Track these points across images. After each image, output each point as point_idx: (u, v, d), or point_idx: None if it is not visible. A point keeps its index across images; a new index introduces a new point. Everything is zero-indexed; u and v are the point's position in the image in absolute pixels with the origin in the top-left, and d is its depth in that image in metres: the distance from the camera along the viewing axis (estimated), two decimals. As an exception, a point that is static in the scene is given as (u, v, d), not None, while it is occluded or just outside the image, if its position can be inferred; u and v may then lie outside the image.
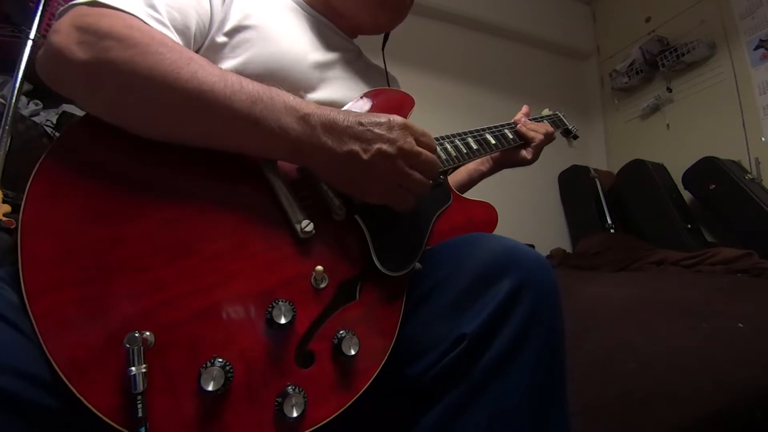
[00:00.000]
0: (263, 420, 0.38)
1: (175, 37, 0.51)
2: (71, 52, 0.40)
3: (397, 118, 0.48)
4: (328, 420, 0.40)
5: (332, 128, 0.45)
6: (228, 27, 0.60)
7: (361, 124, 0.46)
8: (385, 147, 0.46)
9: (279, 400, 0.38)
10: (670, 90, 2.35)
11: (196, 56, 0.44)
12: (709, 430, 0.67)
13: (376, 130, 0.46)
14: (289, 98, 0.45)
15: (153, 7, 0.49)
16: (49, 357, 0.33)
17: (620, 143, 2.68)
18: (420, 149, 0.48)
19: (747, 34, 2.02)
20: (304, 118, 0.44)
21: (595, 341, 0.85)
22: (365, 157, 0.45)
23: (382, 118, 0.48)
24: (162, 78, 0.40)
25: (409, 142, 0.47)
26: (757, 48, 1.98)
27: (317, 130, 0.45)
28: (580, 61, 2.93)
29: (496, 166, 0.89)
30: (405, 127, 0.48)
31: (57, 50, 0.40)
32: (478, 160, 0.88)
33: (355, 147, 0.45)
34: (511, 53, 2.66)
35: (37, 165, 0.39)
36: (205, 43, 0.59)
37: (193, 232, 0.41)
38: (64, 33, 0.41)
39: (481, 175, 0.89)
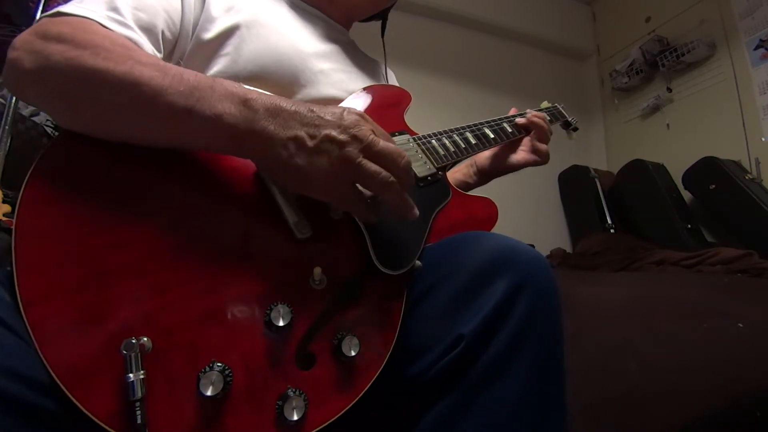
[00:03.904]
0: (264, 423, 0.38)
1: (139, 37, 0.50)
2: (21, 63, 0.41)
3: (353, 108, 0.44)
4: (329, 422, 0.40)
5: (277, 113, 0.41)
6: (213, 24, 0.59)
7: (311, 110, 0.42)
8: (334, 133, 0.41)
9: (279, 403, 0.38)
10: (670, 90, 2.35)
11: (138, 53, 0.43)
12: (709, 430, 0.67)
13: (327, 117, 0.42)
14: (234, 86, 0.42)
15: (115, 9, 0.49)
16: (47, 364, 0.33)
17: (620, 143, 2.68)
18: (376, 138, 0.42)
19: (747, 34, 2.02)
20: (246, 103, 0.40)
21: (595, 341, 0.85)
22: (310, 144, 0.40)
23: (337, 108, 0.44)
24: (97, 77, 0.39)
25: (364, 130, 0.42)
26: (757, 48, 1.98)
27: (259, 114, 0.40)
28: (580, 61, 2.93)
29: (484, 178, 0.84)
30: (361, 116, 0.43)
31: (11, 63, 0.41)
32: (466, 173, 0.85)
33: (300, 132, 0.41)
34: (510, 53, 2.66)
35: (31, 170, 0.38)
36: (190, 42, 0.58)
37: (191, 236, 0.41)
38: (17, 47, 0.42)
39: (467, 187, 0.85)
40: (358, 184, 0.44)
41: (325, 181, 0.42)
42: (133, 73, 0.40)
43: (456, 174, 0.86)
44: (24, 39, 0.42)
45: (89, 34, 0.43)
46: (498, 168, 0.83)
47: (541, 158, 0.81)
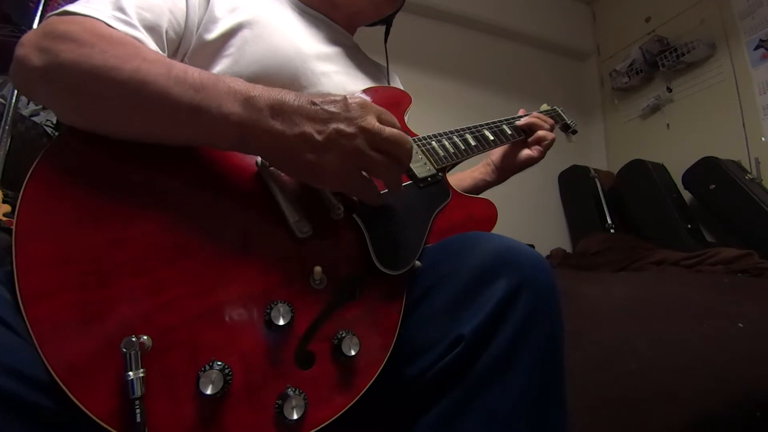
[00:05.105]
0: (263, 423, 0.38)
1: (144, 36, 0.51)
2: (29, 61, 0.41)
3: (354, 97, 0.45)
4: (328, 422, 0.40)
5: (281, 109, 0.41)
6: (216, 25, 0.59)
7: (313, 103, 0.42)
8: (342, 126, 0.42)
9: (279, 402, 0.38)
10: (670, 90, 2.35)
11: (145, 51, 0.44)
12: (709, 430, 0.67)
13: (332, 109, 0.42)
14: (237, 83, 0.42)
15: (121, 9, 0.50)
16: (46, 362, 0.33)
17: (620, 143, 2.68)
18: (382, 126, 0.44)
19: (747, 34, 2.02)
20: (249, 101, 0.41)
21: (595, 341, 0.85)
22: (319, 138, 0.41)
23: (338, 96, 0.44)
24: (105, 75, 0.40)
25: (369, 120, 0.43)
26: (757, 48, 1.98)
27: (264, 113, 0.41)
28: (580, 61, 2.93)
29: (502, 174, 0.86)
30: (363, 105, 0.44)
31: (19, 61, 0.42)
32: (484, 171, 0.88)
33: (308, 128, 0.41)
34: (511, 53, 2.66)
35: (32, 168, 0.38)
36: (192, 42, 0.58)
37: (191, 234, 0.41)
38: (25, 44, 0.42)
39: (487, 185, 0.87)
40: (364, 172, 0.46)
41: (336, 173, 0.43)
42: (140, 71, 0.40)
43: (474, 173, 0.88)
44: (32, 37, 0.43)
45: (96, 32, 0.43)
46: (509, 165, 0.85)
47: (536, 155, 0.83)
